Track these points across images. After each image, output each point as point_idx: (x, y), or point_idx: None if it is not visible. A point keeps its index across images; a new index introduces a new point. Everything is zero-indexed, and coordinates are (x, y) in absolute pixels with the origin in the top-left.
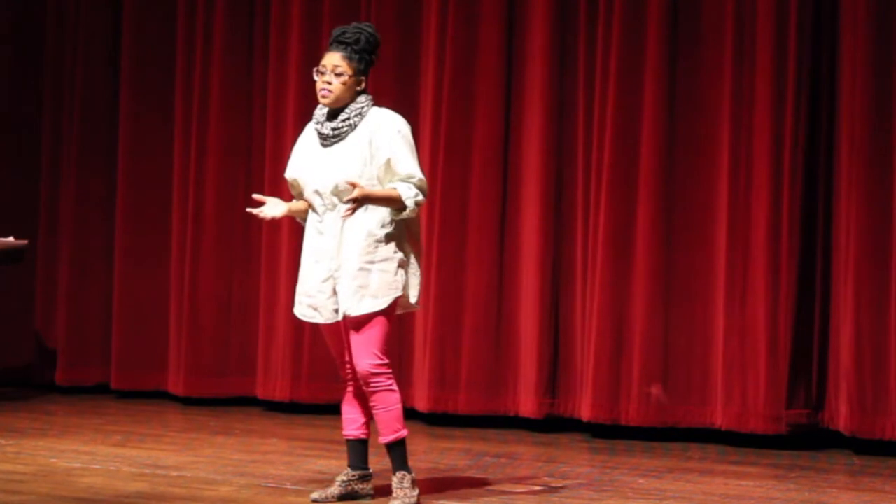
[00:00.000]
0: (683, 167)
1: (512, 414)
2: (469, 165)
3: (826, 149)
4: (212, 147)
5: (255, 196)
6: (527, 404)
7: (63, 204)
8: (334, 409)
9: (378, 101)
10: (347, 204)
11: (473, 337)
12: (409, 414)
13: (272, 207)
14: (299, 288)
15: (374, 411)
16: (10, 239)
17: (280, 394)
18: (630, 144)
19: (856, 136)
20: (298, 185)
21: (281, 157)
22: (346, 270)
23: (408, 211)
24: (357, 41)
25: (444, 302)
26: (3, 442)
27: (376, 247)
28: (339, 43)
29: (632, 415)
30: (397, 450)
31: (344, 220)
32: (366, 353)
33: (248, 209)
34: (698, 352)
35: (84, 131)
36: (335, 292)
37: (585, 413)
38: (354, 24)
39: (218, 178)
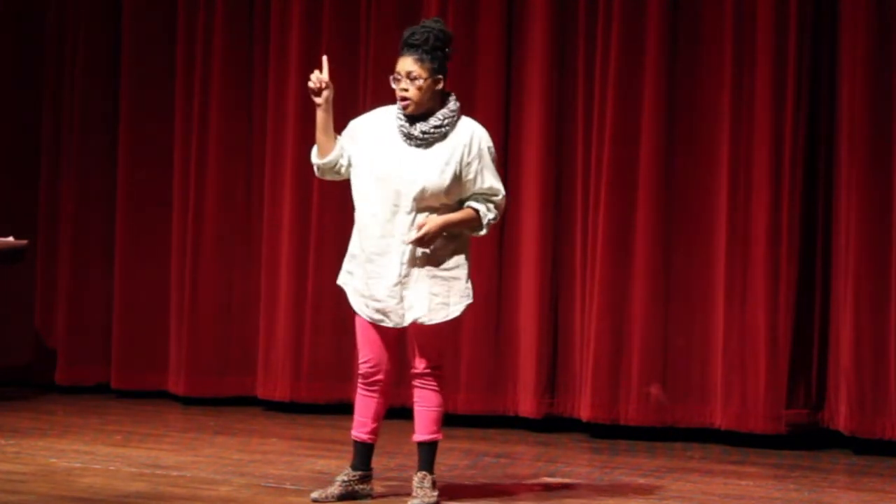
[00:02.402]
0: (683, 167)
1: (511, 414)
2: None
3: (826, 148)
4: (212, 146)
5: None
6: (526, 404)
7: (63, 203)
8: (334, 409)
9: (378, 102)
10: (423, 213)
11: (473, 337)
12: (409, 414)
13: (327, 90)
14: (361, 288)
15: (415, 407)
16: (10, 239)
17: (280, 394)
18: (630, 144)
19: (856, 135)
20: (342, 151)
21: (281, 156)
22: (419, 277)
23: (482, 232)
24: (426, 41)
25: None
26: (3, 442)
27: (450, 254)
28: (409, 46)
29: (631, 415)
30: (427, 450)
31: (413, 245)
32: (428, 355)
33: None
34: (698, 351)
35: (84, 131)
36: (402, 297)
37: (585, 413)
38: (422, 23)
39: (218, 178)
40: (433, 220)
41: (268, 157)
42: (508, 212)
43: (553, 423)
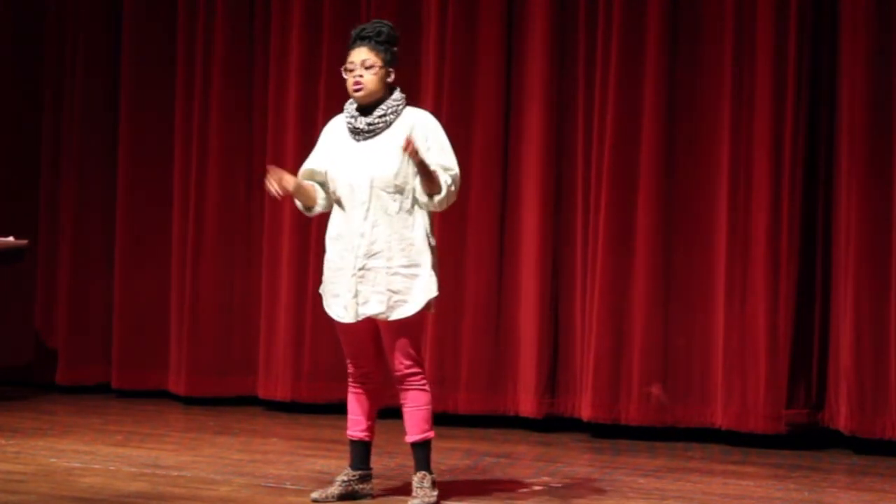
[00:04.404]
0: (683, 167)
1: (512, 414)
2: (469, 165)
3: (826, 149)
4: (213, 146)
5: (273, 169)
6: (527, 404)
7: (63, 203)
8: (335, 409)
9: None
10: (377, 204)
11: (473, 337)
12: None
13: (287, 181)
14: (325, 287)
15: (403, 409)
16: (10, 239)
17: (281, 393)
18: (630, 145)
19: (856, 135)
20: (317, 175)
21: (282, 156)
22: (377, 273)
23: (438, 198)
24: (379, 34)
25: (444, 302)
26: (3, 442)
27: (409, 250)
28: (362, 38)
29: (632, 414)
30: (422, 450)
31: (406, 153)
32: (402, 354)
33: (272, 185)
34: (698, 351)
35: (84, 131)
36: (357, 292)
37: (585, 413)
38: (372, 20)
39: (219, 178)
40: (418, 146)
41: (268, 157)
42: (509, 212)
43: (554, 423)
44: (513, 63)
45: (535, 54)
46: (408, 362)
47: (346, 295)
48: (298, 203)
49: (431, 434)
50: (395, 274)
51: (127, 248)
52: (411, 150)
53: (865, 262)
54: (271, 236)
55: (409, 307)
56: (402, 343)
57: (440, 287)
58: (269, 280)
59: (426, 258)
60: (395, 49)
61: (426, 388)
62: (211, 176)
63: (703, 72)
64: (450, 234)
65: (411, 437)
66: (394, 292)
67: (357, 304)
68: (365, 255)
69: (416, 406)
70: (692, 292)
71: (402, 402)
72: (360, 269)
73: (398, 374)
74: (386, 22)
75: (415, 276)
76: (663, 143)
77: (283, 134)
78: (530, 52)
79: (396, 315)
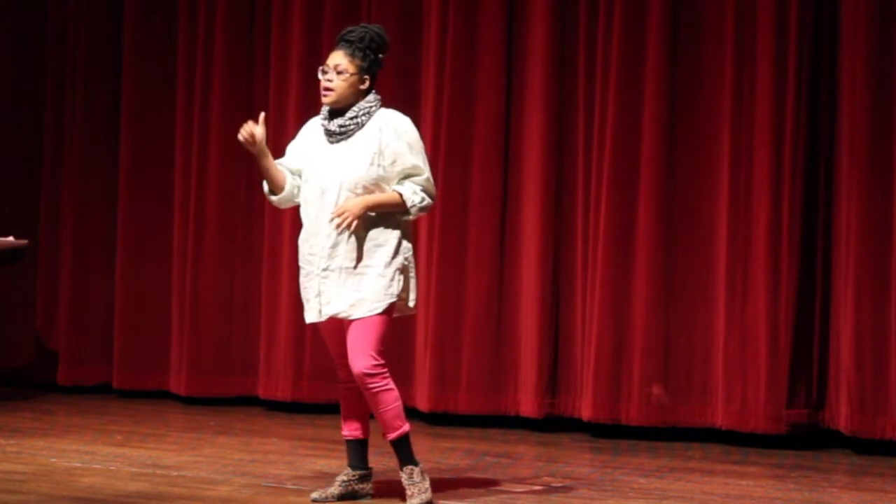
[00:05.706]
0: (684, 167)
1: (512, 414)
2: (469, 165)
3: (826, 148)
4: (214, 146)
5: (262, 119)
6: (527, 404)
7: (64, 203)
8: (335, 409)
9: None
10: (348, 204)
11: (474, 336)
12: (410, 413)
13: (260, 140)
14: (301, 290)
15: (374, 412)
16: (10, 239)
17: (282, 393)
18: (630, 144)
19: (856, 135)
20: (291, 169)
21: (282, 156)
22: (340, 273)
23: (410, 217)
24: (361, 39)
25: (444, 302)
26: (3, 442)
27: (375, 251)
28: (343, 41)
29: (632, 414)
30: (402, 445)
31: (338, 230)
32: (361, 355)
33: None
34: (699, 351)
35: (85, 130)
36: (320, 292)
37: (586, 413)
38: (362, 24)
39: (220, 178)
40: (352, 200)
41: None
42: (510, 212)
43: (554, 423)
44: (513, 62)
45: (536, 53)
46: (368, 362)
47: (311, 295)
48: (265, 186)
49: (407, 427)
50: (357, 274)
51: (127, 248)
52: (339, 224)
53: (866, 262)
54: (271, 236)
55: (370, 307)
56: (361, 343)
57: (441, 288)
58: (270, 280)
59: (396, 260)
60: (381, 56)
61: (390, 386)
62: (211, 176)
63: (703, 71)
64: (450, 235)
65: (389, 436)
66: (356, 291)
67: (321, 303)
68: (329, 255)
69: (385, 407)
70: (693, 292)
71: (371, 406)
72: (324, 270)
73: (357, 373)
74: (375, 27)
75: (379, 276)
76: (664, 142)
77: (284, 133)
78: (531, 51)
79: (357, 314)
